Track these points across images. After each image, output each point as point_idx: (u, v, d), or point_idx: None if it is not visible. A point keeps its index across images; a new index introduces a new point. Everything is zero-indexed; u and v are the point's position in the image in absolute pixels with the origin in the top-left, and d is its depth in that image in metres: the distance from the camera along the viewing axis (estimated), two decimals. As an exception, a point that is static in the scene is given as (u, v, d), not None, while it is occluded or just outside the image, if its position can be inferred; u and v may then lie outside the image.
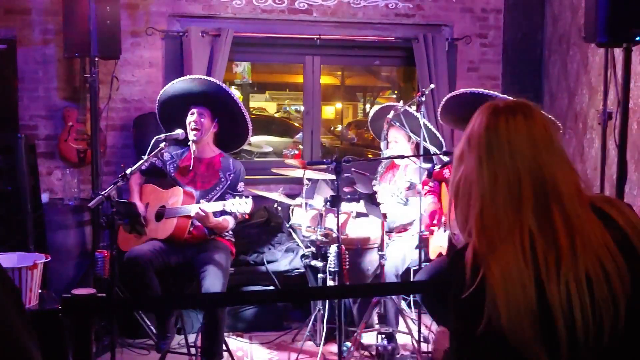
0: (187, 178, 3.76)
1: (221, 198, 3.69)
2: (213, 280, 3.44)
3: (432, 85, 4.23)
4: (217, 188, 3.73)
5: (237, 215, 3.56)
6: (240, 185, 3.77)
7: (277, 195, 4.06)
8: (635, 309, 1.29)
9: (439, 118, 3.66)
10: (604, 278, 1.28)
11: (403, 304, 4.40)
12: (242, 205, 3.43)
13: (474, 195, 1.39)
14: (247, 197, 3.50)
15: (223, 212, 3.58)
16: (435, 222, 3.62)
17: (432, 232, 3.72)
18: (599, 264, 1.28)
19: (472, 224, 1.38)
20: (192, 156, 3.77)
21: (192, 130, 3.69)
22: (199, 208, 3.49)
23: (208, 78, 3.76)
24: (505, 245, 1.31)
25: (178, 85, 3.74)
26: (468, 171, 1.41)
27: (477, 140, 1.41)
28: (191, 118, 3.70)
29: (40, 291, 2.97)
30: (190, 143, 3.76)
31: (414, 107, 4.09)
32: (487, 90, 3.22)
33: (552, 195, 1.34)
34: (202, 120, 3.70)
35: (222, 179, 3.74)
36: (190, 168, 3.76)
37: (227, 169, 3.77)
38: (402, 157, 3.95)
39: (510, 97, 1.64)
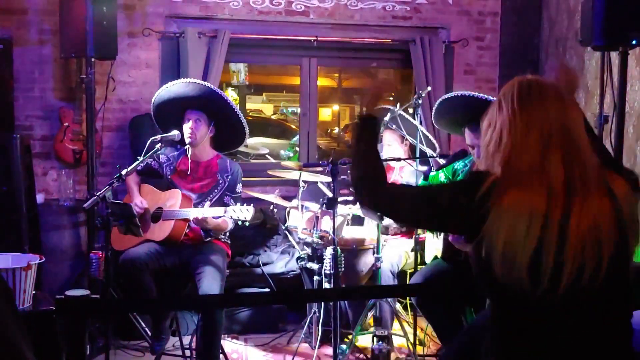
0: (185, 181, 3.75)
1: (219, 200, 3.68)
2: (211, 282, 3.43)
3: (429, 88, 4.24)
4: (215, 190, 3.72)
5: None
6: (239, 187, 3.76)
7: (273, 197, 4.06)
8: (611, 271, 1.50)
9: (434, 122, 3.66)
10: (596, 237, 1.49)
11: (398, 307, 4.39)
12: (243, 213, 3.43)
13: (504, 140, 1.58)
14: (248, 204, 3.49)
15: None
16: None
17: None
18: (597, 224, 1.49)
19: (498, 163, 1.58)
20: (189, 159, 3.76)
21: (189, 136, 3.68)
22: (198, 214, 3.48)
23: (203, 83, 3.73)
24: (526, 182, 1.51)
25: (173, 88, 3.71)
26: (501, 123, 1.61)
27: (509, 97, 1.61)
28: (187, 124, 3.68)
29: (34, 292, 2.96)
30: (187, 147, 3.75)
31: (411, 110, 4.09)
32: (476, 93, 3.21)
33: (576, 152, 1.54)
34: (199, 125, 3.68)
35: (220, 181, 3.73)
36: (188, 172, 3.75)
37: (225, 171, 3.76)
38: (399, 159, 3.95)
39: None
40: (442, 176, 3.66)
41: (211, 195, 3.69)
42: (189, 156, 3.76)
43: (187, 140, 3.69)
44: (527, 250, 1.47)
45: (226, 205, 3.61)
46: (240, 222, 3.44)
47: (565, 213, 1.49)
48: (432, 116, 3.59)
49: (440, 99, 3.42)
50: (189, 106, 3.70)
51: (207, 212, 3.50)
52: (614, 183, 1.57)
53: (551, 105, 1.56)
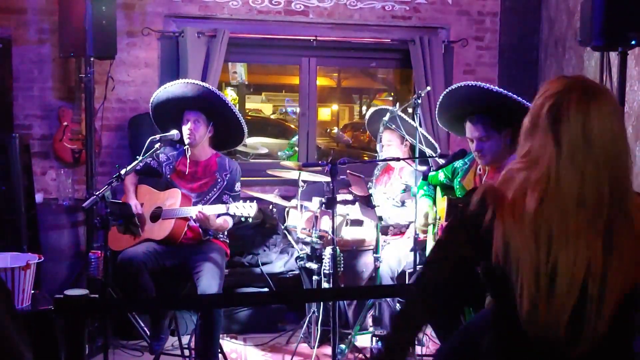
0: (184, 180, 3.75)
1: (219, 199, 3.69)
2: (210, 282, 3.43)
3: (429, 88, 4.23)
4: (215, 189, 3.72)
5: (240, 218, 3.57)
6: (237, 186, 3.76)
7: (272, 196, 4.06)
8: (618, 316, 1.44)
9: (437, 118, 3.65)
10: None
11: (398, 307, 4.39)
12: (246, 209, 3.43)
13: (544, 169, 1.44)
14: (251, 200, 3.49)
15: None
16: (429, 222, 3.61)
17: (425, 237, 3.71)
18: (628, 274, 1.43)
19: (529, 189, 1.44)
20: (188, 159, 3.75)
21: (188, 137, 3.68)
22: (199, 210, 3.48)
23: (201, 83, 3.71)
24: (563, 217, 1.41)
25: (171, 89, 3.70)
26: (545, 147, 1.45)
27: (565, 124, 1.43)
28: (186, 125, 3.67)
29: (33, 292, 2.96)
30: (186, 147, 3.75)
31: (410, 110, 4.09)
32: (480, 83, 3.21)
33: (621, 197, 1.43)
34: (198, 126, 3.68)
35: (219, 180, 3.73)
36: (187, 171, 3.75)
37: (224, 169, 3.76)
38: (398, 159, 3.95)
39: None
40: (441, 176, 3.66)
41: (210, 194, 3.69)
42: (187, 156, 3.75)
43: (186, 141, 3.69)
44: (568, 305, 1.42)
45: (225, 204, 3.62)
46: (243, 219, 3.45)
47: (604, 259, 1.42)
48: (436, 111, 3.59)
49: (444, 92, 3.42)
50: (187, 107, 3.69)
51: (208, 209, 3.50)
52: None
53: (608, 144, 1.44)
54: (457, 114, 3.37)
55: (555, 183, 1.42)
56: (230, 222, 3.69)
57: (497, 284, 1.51)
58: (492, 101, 3.16)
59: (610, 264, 1.42)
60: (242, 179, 3.83)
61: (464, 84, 3.27)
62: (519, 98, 3.05)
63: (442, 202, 3.51)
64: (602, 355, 1.49)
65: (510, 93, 3.09)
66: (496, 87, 3.12)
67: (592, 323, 1.43)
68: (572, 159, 1.42)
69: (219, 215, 3.61)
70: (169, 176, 3.79)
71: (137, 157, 3.55)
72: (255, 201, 3.47)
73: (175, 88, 3.69)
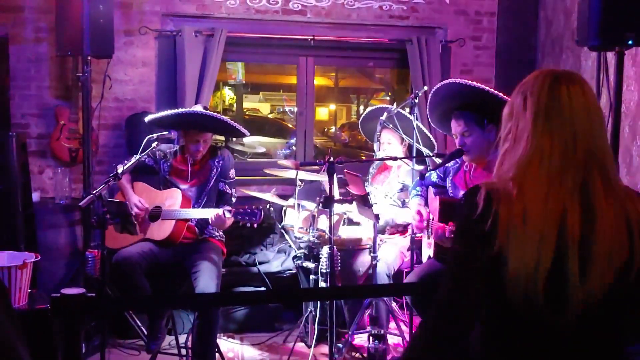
0: (182, 177, 3.76)
1: (214, 187, 3.72)
2: (207, 281, 3.43)
3: (426, 87, 4.23)
4: (211, 178, 3.75)
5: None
6: (232, 172, 3.79)
7: (269, 196, 4.05)
8: (620, 283, 1.44)
9: (429, 118, 3.66)
10: (615, 256, 1.43)
11: (394, 306, 4.39)
12: (255, 215, 3.45)
13: (522, 145, 1.51)
14: (257, 208, 3.49)
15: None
16: (424, 219, 3.61)
17: (421, 235, 3.72)
18: (613, 242, 1.43)
19: (512, 169, 1.51)
20: (186, 158, 3.76)
21: (195, 154, 3.70)
22: (216, 213, 3.47)
23: (200, 111, 3.64)
24: (541, 194, 1.45)
25: (171, 116, 3.68)
26: (522, 126, 1.53)
27: (537, 101, 1.53)
28: (196, 144, 3.67)
29: (30, 290, 2.95)
30: (182, 145, 3.76)
31: (407, 109, 4.09)
32: (464, 80, 3.22)
33: (599, 165, 1.48)
34: (205, 144, 3.72)
35: (213, 168, 3.76)
36: (185, 169, 3.75)
37: (216, 157, 3.79)
38: (395, 158, 3.95)
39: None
40: (434, 176, 3.67)
41: (208, 186, 3.72)
42: (185, 155, 3.76)
43: (192, 156, 3.72)
44: (542, 272, 1.41)
45: (222, 193, 3.68)
46: (249, 225, 3.45)
47: (585, 229, 1.42)
48: (427, 111, 3.60)
49: (432, 91, 3.43)
50: (198, 126, 3.68)
51: (207, 212, 3.50)
52: (628, 198, 1.50)
53: (579, 112, 1.49)
54: (443, 111, 3.40)
55: (532, 152, 1.49)
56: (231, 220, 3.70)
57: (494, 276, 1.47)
58: (472, 97, 3.18)
59: (591, 224, 1.43)
60: (239, 178, 3.83)
61: (447, 81, 3.29)
62: (498, 93, 3.07)
63: (435, 202, 3.51)
64: (591, 331, 1.46)
65: (489, 88, 3.10)
66: (475, 83, 3.12)
67: (575, 290, 1.41)
68: (541, 126, 1.50)
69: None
70: (167, 174, 3.79)
71: (135, 155, 3.55)
72: (261, 207, 3.48)
73: (175, 116, 3.67)
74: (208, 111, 3.70)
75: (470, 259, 1.49)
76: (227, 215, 3.47)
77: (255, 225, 3.46)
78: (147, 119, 3.78)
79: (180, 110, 3.75)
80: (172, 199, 3.64)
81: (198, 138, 3.67)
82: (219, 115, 3.74)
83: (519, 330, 1.49)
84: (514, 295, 1.44)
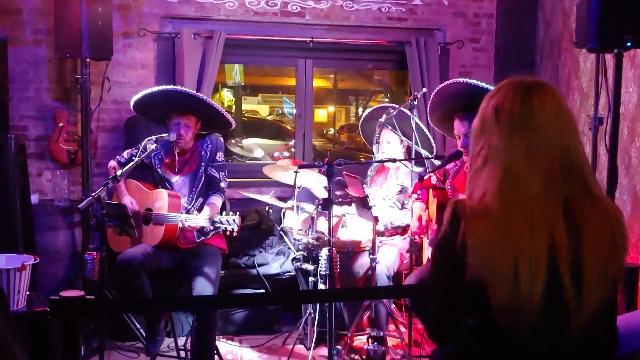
0: (172, 169, 3.76)
1: (205, 172, 3.71)
2: (204, 285, 3.44)
3: (424, 89, 4.24)
4: (201, 164, 3.74)
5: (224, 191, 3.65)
6: (219, 155, 3.78)
7: (268, 198, 4.05)
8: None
9: (428, 117, 3.65)
10: (606, 274, 1.43)
11: (394, 308, 4.39)
12: (230, 225, 3.41)
13: (497, 163, 1.47)
14: (234, 213, 3.47)
15: (212, 207, 3.61)
16: (423, 224, 3.62)
17: (421, 238, 3.72)
18: (602, 257, 1.42)
19: (487, 189, 1.46)
20: (176, 153, 3.75)
21: (178, 141, 3.67)
22: (183, 223, 3.46)
23: (177, 88, 3.66)
24: (522, 217, 1.41)
25: (153, 94, 3.68)
26: (494, 142, 1.49)
27: (508, 114, 1.49)
28: (176, 129, 3.66)
29: (28, 293, 2.95)
30: (172, 142, 3.76)
31: (406, 111, 4.09)
32: (468, 79, 3.21)
33: (577, 173, 1.46)
34: (188, 130, 3.68)
35: (203, 154, 3.76)
36: (176, 164, 3.75)
37: (204, 142, 3.78)
38: (394, 160, 3.95)
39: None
40: (433, 179, 3.67)
41: (199, 174, 3.71)
42: (174, 150, 3.75)
43: (177, 144, 3.69)
44: (535, 303, 1.39)
45: (210, 177, 3.68)
46: (229, 232, 3.43)
47: (573, 248, 1.41)
48: (427, 110, 3.59)
49: (435, 90, 3.42)
50: (174, 109, 3.67)
51: (191, 220, 3.49)
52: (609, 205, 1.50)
53: (552, 123, 1.47)
54: (446, 111, 3.38)
55: (507, 168, 1.46)
56: (218, 202, 3.68)
57: (476, 297, 1.46)
58: (478, 97, 3.16)
59: (578, 241, 1.41)
60: (238, 180, 3.82)
61: (453, 80, 3.28)
62: None
63: (433, 205, 3.52)
64: (587, 337, 1.45)
65: None
66: (483, 83, 3.11)
67: (573, 314, 1.40)
68: (513, 139, 1.46)
69: (202, 206, 3.62)
70: (159, 169, 3.78)
71: (133, 158, 3.54)
72: (237, 214, 3.45)
73: (155, 94, 3.67)
74: (191, 90, 3.69)
75: (446, 276, 1.54)
76: (205, 223, 3.47)
77: (235, 234, 3.45)
78: (131, 101, 3.76)
79: (160, 87, 3.71)
80: (161, 200, 3.62)
81: (179, 120, 3.64)
82: (201, 95, 3.71)
83: (509, 344, 1.47)
84: (504, 322, 1.43)
